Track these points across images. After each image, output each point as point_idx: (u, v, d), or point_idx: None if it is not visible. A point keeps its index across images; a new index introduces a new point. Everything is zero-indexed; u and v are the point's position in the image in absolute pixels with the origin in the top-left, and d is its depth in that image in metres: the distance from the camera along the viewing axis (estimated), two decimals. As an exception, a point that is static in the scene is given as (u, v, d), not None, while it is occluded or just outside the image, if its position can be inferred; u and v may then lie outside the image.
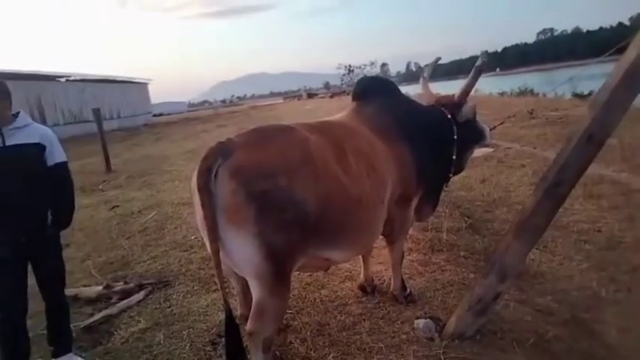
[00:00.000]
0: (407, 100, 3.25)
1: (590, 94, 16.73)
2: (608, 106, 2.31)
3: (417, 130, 2.96)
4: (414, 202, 3.06)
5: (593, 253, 4.10)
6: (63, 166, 2.79)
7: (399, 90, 3.26)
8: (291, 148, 2.17)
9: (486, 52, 3.40)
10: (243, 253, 2.03)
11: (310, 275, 3.84)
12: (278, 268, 2.06)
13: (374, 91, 3.10)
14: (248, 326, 2.15)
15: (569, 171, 2.46)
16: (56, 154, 2.74)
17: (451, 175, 3.29)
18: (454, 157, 3.18)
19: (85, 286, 4.13)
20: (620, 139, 7.78)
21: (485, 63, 3.16)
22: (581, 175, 2.50)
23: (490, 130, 3.54)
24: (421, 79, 3.65)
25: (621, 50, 2.35)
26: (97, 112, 11.89)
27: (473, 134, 3.34)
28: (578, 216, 4.97)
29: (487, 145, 3.57)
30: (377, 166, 2.60)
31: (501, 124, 4.75)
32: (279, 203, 2.00)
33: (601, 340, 2.89)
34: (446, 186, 3.41)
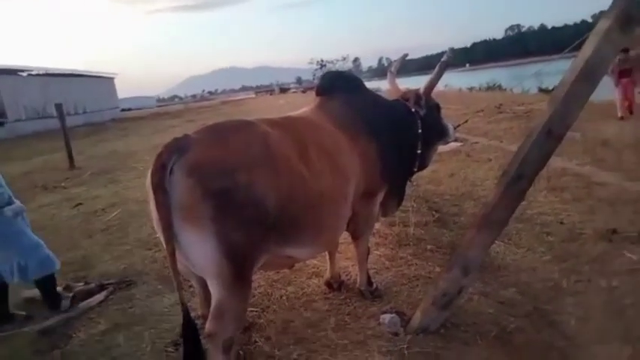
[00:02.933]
0: (371, 95, 3.21)
1: (554, 88, 17.19)
2: (566, 100, 2.34)
3: (381, 125, 2.94)
4: (379, 198, 3.04)
5: (555, 244, 4.20)
6: None
7: (363, 85, 3.23)
8: (250, 144, 2.11)
9: (452, 48, 3.42)
10: (201, 252, 1.97)
11: (277, 272, 3.79)
12: (238, 267, 2.00)
13: (338, 86, 3.05)
14: (207, 327, 2.09)
15: (530, 165, 2.49)
16: None
17: (415, 170, 3.29)
18: (419, 151, 3.17)
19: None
20: (583, 133, 8.02)
21: (451, 58, 3.17)
22: (542, 168, 2.53)
23: (454, 128, 3.56)
24: (388, 74, 3.64)
25: (581, 46, 2.39)
26: (59, 107, 11.50)
27: (437, 130, 3.34)
28: (541, 208, 5.09)
29: (448, 142, 3.58)
30: (340, 162, 2.56)
31: (465, 122, 4.81)
32: (238, 201, 1.94)
33: (561, 330, 2.96)
34: (410, 181, 3.40)
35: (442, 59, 3.12)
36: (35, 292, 3.86)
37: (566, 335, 2.88)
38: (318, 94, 3.07)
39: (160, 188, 1.88)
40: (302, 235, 2.32)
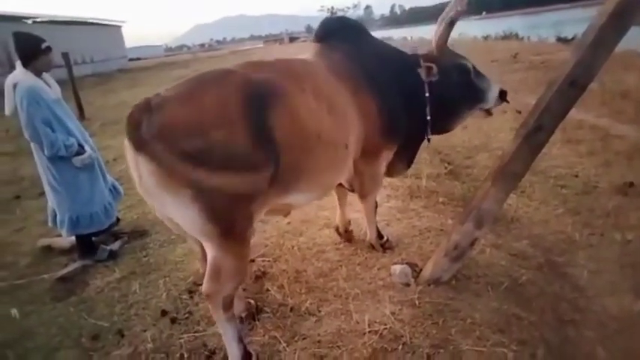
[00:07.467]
0: (376, 45, 2.92)
1: (573, 38, 16.53)
2: (593, 47, 2.21)
3: (384, 79, 2.71)
4: (384, 158, 2.88)
5: (569, 197, 4.14)
6: None
7: (367, 33, 2.96)
8: (227, 97, 1.91)
9: None
10: (184, 217, 1.88)
11: (288, 223, 3.81)
12: (227, 227, 1.91)
13: (338, 33, 2.82)
14: (204, 288, 2.05)
15: (550, 116, 2.40)
16: None
17: (428, 137, 2.99)
18: (428, 117, 2.87)
19: (58, 236, 4.04)
20: (601, 84, 7.76)
21: (460, 12, 2.76)
22: (562, 120, 2.44)
23: (500, 100, 3.09)
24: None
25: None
26: (66, 56, 11.29)
27: (462, 95, 2.91)
28: (556, 161, 5.00)
29: (486, 109, 3.08)
30: (338, 107, 2.40)
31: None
32: (216, 161, 1.80)
33: (572, 282, 2.95)
34: (428, 140, 3.07)
35: (449, 14, 2.65)
36: (52, 240, 3.94)
37: (578, 287, 2.88)
38: (316, 40, 2.86)
39: (134, 151, 1.79)
40: (298, 181, 2.20)
